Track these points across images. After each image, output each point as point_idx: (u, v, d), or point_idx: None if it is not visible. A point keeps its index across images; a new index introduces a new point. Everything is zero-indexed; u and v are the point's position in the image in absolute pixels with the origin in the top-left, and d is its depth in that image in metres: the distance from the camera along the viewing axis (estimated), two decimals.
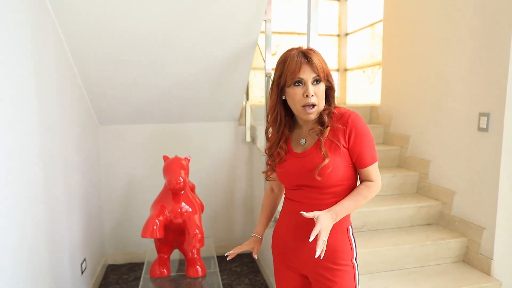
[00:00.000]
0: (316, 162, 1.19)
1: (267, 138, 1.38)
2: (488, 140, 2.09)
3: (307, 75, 1.19)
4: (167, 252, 2.42)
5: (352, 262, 1.27)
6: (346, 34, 4.53)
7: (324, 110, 1.24)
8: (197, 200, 2.42)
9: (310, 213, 1.16)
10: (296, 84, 1.20)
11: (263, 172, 1.46)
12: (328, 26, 4.59)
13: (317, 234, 1.09)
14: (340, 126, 1.21)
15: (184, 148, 3.11)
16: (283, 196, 1.45)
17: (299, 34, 4.36)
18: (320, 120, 1.24)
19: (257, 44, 2.47)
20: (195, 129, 3.15)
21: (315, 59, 1.20)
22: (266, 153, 1.38)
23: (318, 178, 1.18)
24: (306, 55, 1.21)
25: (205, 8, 2.09)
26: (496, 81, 2.05)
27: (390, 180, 2.72)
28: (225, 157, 3.22)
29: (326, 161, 1.18)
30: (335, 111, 1.24)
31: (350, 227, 1.28)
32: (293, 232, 1.30)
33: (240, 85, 2.79)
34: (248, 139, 3.18)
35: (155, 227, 2.05)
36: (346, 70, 4.57)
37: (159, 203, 2.22)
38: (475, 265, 2.18)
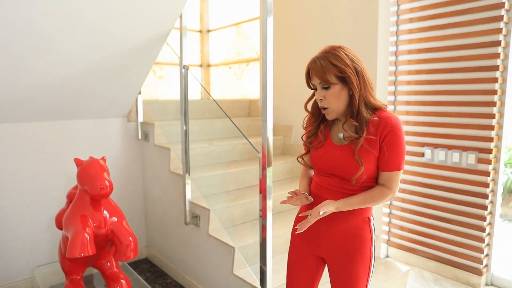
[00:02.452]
0: (350, 162, 1.27)
1: (303, 126, 1.47)
2: None
3: (316, 81, 1.30)
4: (79, 273, 2.05)
5: (370, 251, 1.35)
6: (209, 31, 4.68)
7: (359, 114, 1.26)
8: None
9: (318, 206, 1.26)
10: (313, 89, 1.33)
11: (298, 158, 1.48)
12: (190, 21, 4.62)
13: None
14: (373, 136, 1.25)
15: (64, 149, 2.63)
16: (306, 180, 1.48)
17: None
18: (358, 122, 1.27)
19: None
20: (76, 128, 2.67)
21: (317, 66, 1.26)
22: (302, 138, 1.45)
23: (354, 183, 1.28)
24: (313, 62, 1.29)
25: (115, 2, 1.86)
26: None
27: (283, 166, 3.07)
28: (113, 157, 2.87)
29: (362, 170, 1.25)
30: (375, 117, 1.26)
31: (371, 217, 1.37)
32: None
33: (137, 81, 2.56)
34: (140, 136, 2.94)
35: (86, 242, 1.72)
36: (209, 65, 4.72)
37: (77, 214, 1.85)
38: None
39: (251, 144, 1.92)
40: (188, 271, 2.63)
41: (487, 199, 2.50)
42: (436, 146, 2.71)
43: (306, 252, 1.46)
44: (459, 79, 2.56)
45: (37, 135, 2.52)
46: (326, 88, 1.27)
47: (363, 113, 1.26)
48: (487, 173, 2.48)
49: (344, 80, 1.25)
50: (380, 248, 2.93)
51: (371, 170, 1.29)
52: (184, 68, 2.28)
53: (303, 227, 1.28)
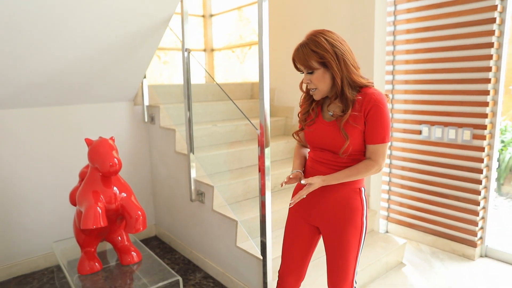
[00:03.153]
0: (337, 136, 1.38)
1: (300, 105, 1.57)
2: None
3: (301, 67, 1.41)
4: (93, 245, 2.19)
5: (361, 220, 1.45)
6: (211, 15, 4.73)
7: (343, 94, 1.36)
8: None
9: (308, 179, 1.40)
10: (302, 72, 1.43)
11: (293, 134, 1.61)
12: (193, 6, 4.68)
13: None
14: (358, 112, 1.34)
15: (74, 133, 2.76)
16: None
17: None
18: (343, 102, 1.38)
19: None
20: (84, 112, 2.80)
21: (299, 54, 1.37)
22: (299, 116, 1.56)
23: (342, 156, 1.39)
24: (296, 50, 1.39)
25: None
26: (363, 61, 2.71)
27: (285, 146, 3.17)
28: (121, 139, 3.00)
29: (347, 143, 1.35)
30: (360, 95, 1.36)
31: (363, 188, 1.48)
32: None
33: (142, 64, 2.66)
34: (147, 119, 3.06)
35: (98, 215, 1.85)
36: (213, 50, 4.79)
37: (89, 190, 1.98)
38: None
39: (251, 122, 2.02)
40: (194, 246, 2.78)
41: (482, 173, 2.58)
42: (433, 123, 2.78)
43: (301, 222, 1.57)
44: (454, 57, 2.61)
45: (50, 119, 2.65)
46: (311, 73, 1.38)
47: (346, 93, 1.36)
48: (482, 149, 2.55)
49: (325, 64, 1.34)
50: (380, 224, 3.03)
51: (358, 144, 1.39)
52: (186, 51, 2.37)
53: (295, 200, 1.41)
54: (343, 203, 1.45)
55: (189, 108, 2.44)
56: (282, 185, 1.47)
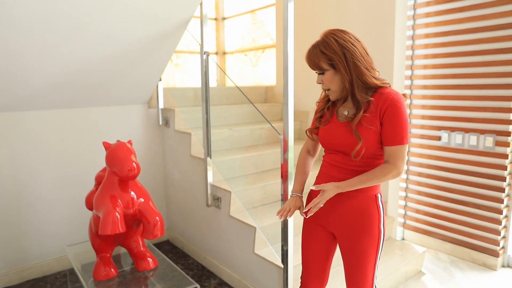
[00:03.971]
0: (350, 137, 1.34)
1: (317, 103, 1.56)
2: None
3: (312, 67, 1.39)
4: (109, 250, 2.15)
5: (379, 228, 1.40)
6: (224, 19, 4.71)
7: (354, 96, 1.33)
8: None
9: (320, 185, 1.37)
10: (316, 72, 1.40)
11: (306, 130, 1.58)
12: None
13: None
14: (373, 113, 1.30)
15: (90, 135, 2.74)
16: (322, 160, 1.56)
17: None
18: (354, 104, 1.35)
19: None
20: (100, 114, 2.78)
21: (310, 55, 1.35)
22: (315, 113, 1.53)
23: (354, 159, 1.34)
24: (308, 52, 1.37)
25: None
26: (382, 65, 2.66)
27: (299, 150, 3.12)
28: (136, 143, 2.97)
29: (359, 145, 1.30)
30: (375, 95, 1.32)
31: (379, 195, 1.42)
32: None
33: (159, 67, 2.63)
34: (161, 122, 3.03)
35: (117, 221, 1.82)
36: (225, 53, 4.76)
37: (106, 195, 1.95)
38: None
39: (274, 128, 1.99)
40: (209, 252, 2.73)
41: (505, 181, 2.51)
42: (453, 129, 2.72)
43: (318, 228, 1.53)
44: (476, 62, 2.55)
45: (65, 121, 2.63)
46: (322, 74, 1.36)
47: (356, 96, 1.32)
48: (505, 156, 2.49)
49: (334, 66, 1.31)
50: (397, 231, 2.97)
51: (373, 146, 1.33)
52: (204, 54, 2.34)
53: (312, 211, 1.36)
54: (359, 211, 1.40)
55: (207, 111, 2.41)
56: (280, 217, 1.49)
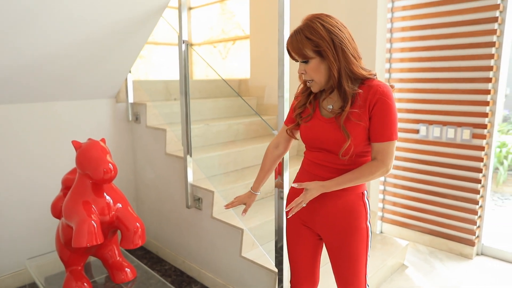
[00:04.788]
0: (337, 135, 1.23)
1: (295, 96, 1.42)
2: None
3: (295, 56, 1.25)
4: (80, 263, 1.92)
5: (366, 225, 1.33)
6: (190, 8, 4.47)
7: (341, 87, 1.21)
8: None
9: (303, 184, 1.28)
10: (297, 61, 1.27)
11: (285, 123, 1.45)
12: None
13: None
14: (361, 107, 1.20)
15: (52, 133, 2.45)
16: (303, 156, 1.45)
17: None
18: (341, 96, 1.22)
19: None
20: (63, 110, 2.47)
21: (293, 41, 1.21)
22: (294, 109, 1.39)
23: (342, 158, 1.25)
24: (290, 37, 1.23)
25: None
26: (364, 58, 2.63)
27: None
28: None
29: (348, 142, 1.20)
30: (363, 87, 1.21)
31: (365, 192, 1.35)
32: None
33: (131, 56, 2.39)
34: (131, 118, 2.78)
35: (93, 230, 1.60)
36: (192, 45, 4.53)
37: (78, 201, 1.71)
38: None
39: (266, 123, 1.87)
40: (188, 256, 2.56)
41: (481, 173, 2.58)
42: (431, 122, 2.75)
43: (303, 228, 1.44)
44: (453, 56, 2.59)
45: (24, 117, 2.31)
46: (305, 62, 1.23)
47: (344, 87, 1.20)
48: (481, 148, 2.55)
49: (321, 53, 1.19)
50: (376, 224, 2.98)
51: (361, 143, 1.24)
52: (184, 43, 2.14)
53: (293, 210, 1.26)
54: (345, 210, 1.32)
55: (186, 105, 2.22)
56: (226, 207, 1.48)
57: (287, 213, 1.29)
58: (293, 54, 1.24)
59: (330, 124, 1.26)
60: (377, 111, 1.19)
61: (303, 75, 1.27)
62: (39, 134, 2.39)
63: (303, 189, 1.33)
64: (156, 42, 4.19)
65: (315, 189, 1.24)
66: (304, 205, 1.26)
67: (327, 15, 1.21)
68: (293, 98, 1.43)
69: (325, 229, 1.37)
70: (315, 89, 1.28)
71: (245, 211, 1.55)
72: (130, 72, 2.65)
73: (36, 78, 2.16)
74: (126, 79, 2.67)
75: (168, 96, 3.02)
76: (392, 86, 1.25)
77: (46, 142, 2.42)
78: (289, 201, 1.46)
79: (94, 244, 1.59)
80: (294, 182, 1.41)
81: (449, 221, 2.76)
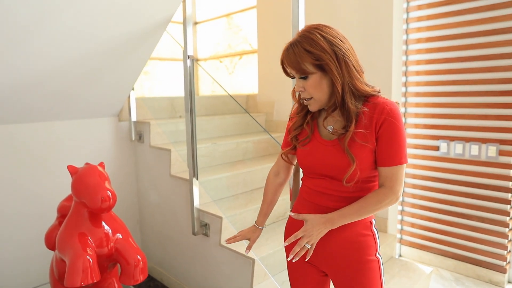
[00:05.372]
0: (341, 159, 1.09)
1: (290, 117, 1.29)
2: None
3: (292, 71, 1.12)
4: None
5: (376, 256, 1.19)
6: (196, 23, 4.39)
7: (344, 105, 1.08)
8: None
9: (300, 215, 1.13)
10: (293, 77, 1.15)
11: (282, 148, 1.31)
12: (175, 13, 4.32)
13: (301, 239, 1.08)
14: (367, 127, 1.08)
15: (49, 155, 2.31)
16: (300, 183, 1.32)
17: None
18: (344, 115, 1.09)
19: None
20: (62, 130, 2.35)
21: (290, 55, 1.08)
22: (289, 131, 1.25)
23: (347, 185, 1.10)
24: (286, 50, 1.10)
25: None
26: (380, 72, 2.47)
27: None
28: (105, 161, 2.56)
29: (353, 167, 1.07)
30: (368, 105, 1.09)
31: (373, 220, 1.21)
32: None
33: (133, 72, 2.27)
34: (134, 137, 2.64)
35: (88, 267, 1.44)
36: (198, 60, 4.43)
37: (73, 233, 1.56)
38: None
39: (275, 140, 1.71)
40: (195, 285, 2.37)
41: (511, 192, 2.38)
42: (452, 138, 2.57)
43: (306, 266, 1.26)
44: (476, 68, 2.43)
45: (19, 138, 2.18)
46: (304, 78, 1.08)
47: (348, 104, 1.06)
48: (509, 166, 2.37)
49: (322, 68, 1.05)
50: (395, 247, 2.78)
51: (367, 168, 1.10)
52: (189, 58, 2.01)
53: (299, 255, 1.08)
54: (354, 244, 1.16)
55: (192, 123, 2.07)
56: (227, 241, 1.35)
57: (288, 253, 1.15)
58: (289, 69, 1.11)
59: (332, 147, 1.12)
60: (384, 132, 1.07)
61: (301, 93, 1.12)
62: (36, 157, 2.25)
63: (302, 221, 1.18)
64: (160, 58, 4.09)
65: (317, 224, 1.09)
66: (309, 247, 1.08)
67: (326, 26, 1.08)
68: (288, 120, 1.28)
69: (330, 265, 1.20)
70: (313, 108, 1.13)
71: (249, 247, 1.38)
72: (133, 89, 2.53)
73: (34, 97, 2.03)
74: (129, 97, 2.54)
75: (173, 114, 2.89)
76: (397, 103, 1.11)
77: (43, 166, 2.28)
78: (287, 234, 1.31)
79: (90, 283, 1.42)
80: (291, 211, 1.27)
81: (476, 245, 2.55)
